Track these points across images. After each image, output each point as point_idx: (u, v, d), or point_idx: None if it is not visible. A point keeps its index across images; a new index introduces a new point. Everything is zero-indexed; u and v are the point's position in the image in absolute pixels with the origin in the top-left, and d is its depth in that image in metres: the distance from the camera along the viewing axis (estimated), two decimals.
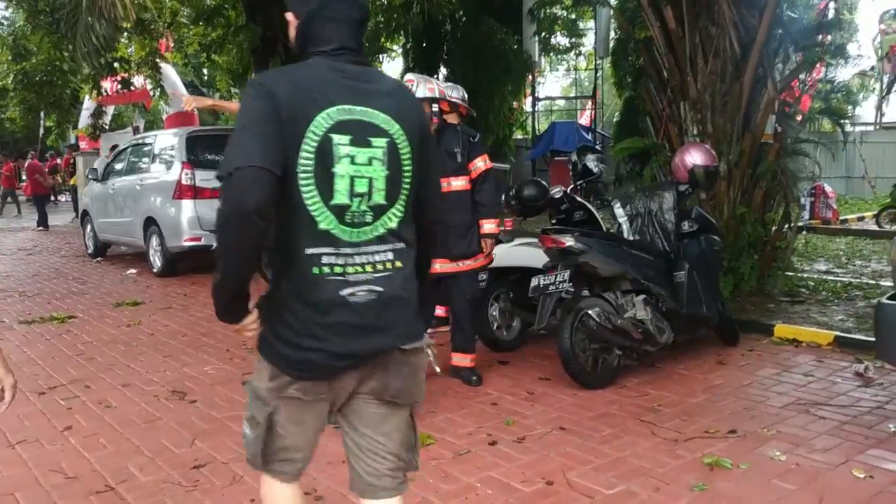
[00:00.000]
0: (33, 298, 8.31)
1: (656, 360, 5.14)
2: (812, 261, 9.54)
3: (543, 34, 19.24)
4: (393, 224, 1.93)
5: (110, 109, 23.12)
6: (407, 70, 22.22)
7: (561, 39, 21.35)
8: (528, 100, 23.53)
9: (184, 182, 8.92)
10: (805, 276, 8.09)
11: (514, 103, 22.79)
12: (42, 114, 20.20)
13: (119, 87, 18.87)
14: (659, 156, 7.57)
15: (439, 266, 4.71)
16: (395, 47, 22.63)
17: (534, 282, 4.71)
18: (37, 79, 15.69)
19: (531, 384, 4.81)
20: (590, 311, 4.52)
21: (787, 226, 7.34)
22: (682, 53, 7.21)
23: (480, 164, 4.80)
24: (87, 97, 19.79)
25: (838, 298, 7.03)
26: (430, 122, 4.62)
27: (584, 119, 23.87)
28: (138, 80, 21.06)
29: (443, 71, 22.13)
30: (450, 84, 5.94)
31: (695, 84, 7.14)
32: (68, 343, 6.17)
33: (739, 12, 6.88)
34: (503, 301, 5.63)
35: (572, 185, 6.23)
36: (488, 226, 4.77)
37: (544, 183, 6.22)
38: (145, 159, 10.16)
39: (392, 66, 25.09)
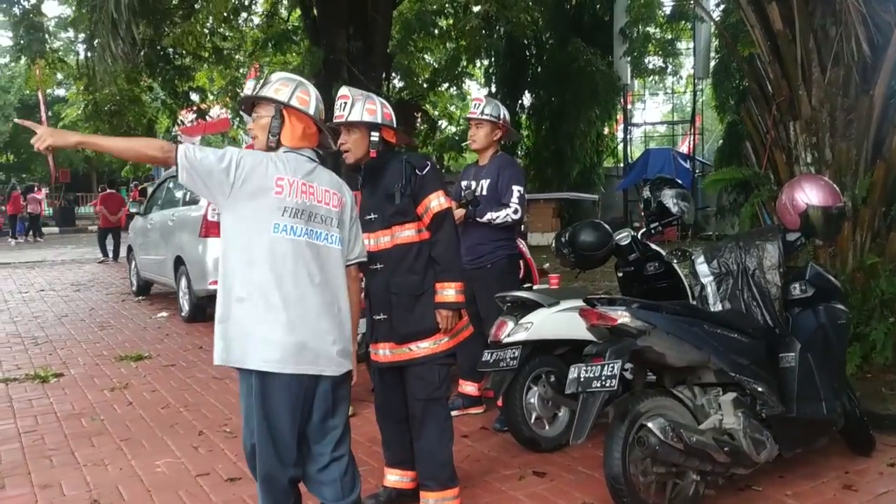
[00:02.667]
0: (41, 346, 7.48)
1: (753, 480, 3.66)
2: None
3: (635, 54, 17.69)
4: None
5: (196, 140, 23.04)
6: (490, 95, 21.11)
7: (655, 60, 19.73)
8: (621, 126, 21.97)
9: (210, 218, 7.93)
10: None
11: (605, 129, 21.29)
12: None
13: (196, 116, 18.57)
14: (762, 189, 6.03)
15: (383, 352, 3.41)
16: (476, 71, 21.55)
17: (572, 373, 3.32)
18: (106, 108, 15.38)
19: None
20: (650, 425, 3.09)
21: None
22: (791, 61, 5.69)
23: (435, 203, 3.32)
24: (175, 128, 19.62)
25: None
26: (366, 154, 3.34)
27: (686, 146, 22.07)
28: (216, 111, 20.77)
29: (527, 96, 20.93)
30: (485, 98, 4.70)
31: (808, 99, 5.60)
32: (26, 413, 5.18)
33: (868, 5, 5.30)
34: (544, 385, 4.26)
35: (643, 229, 4.86)
36: (446, 291, 3.31)
37: (606, 226, 4.86)
38: (178, 193, 9.31)
39: (474, 91, 23.99)
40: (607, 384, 3.14)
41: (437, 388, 3.34)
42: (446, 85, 18.27)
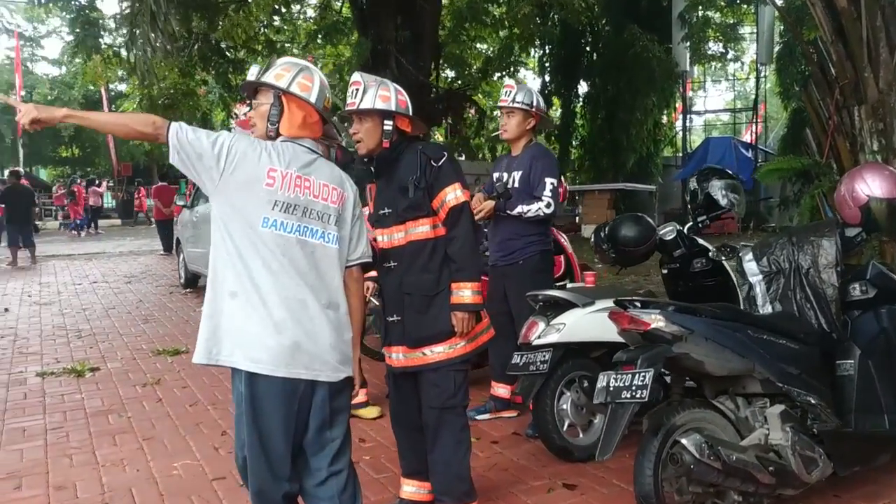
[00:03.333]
0: (84, 339, 7.51)
1: (804, 501, 3.33)
2: None
3: (694, 40, 17.04)
4: None
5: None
6: (544, 84, 20.69)
7: (715, 46, 19.00)
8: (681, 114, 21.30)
9: None
10: None
11: (663, 117, 20.67)
12: None
13: (249, 109, 18.68)
14: (823, 180, 5.62)
15: (396, 356, 3.19)
16: (531, 60, 21.16)
17: (601, 381, 3.04)
18: (160, 102, 15.54)
19: None
20: (684, 441, 2.80)
21: None
22: (856, 41, 5.26)
23: (451, 196, 3.07)
24: (232, 121, 19.76)
25: None
26: (379, 144, 3.11)
27: (749, 135, 21.25)
28: None
29: (582, 84, 20.46)
30: (517, 84, 4.43)
31: (875, 82, 5.17)
32: (56, 409, 5.14)
33: None
34: (577, 391, 3.99)
35: (690, 223, 4.53)
36: (462, 292, 3.06)
37: (649, 219, 4.55)
38: None
39: (530, 80, 23.59)
40: (638, 395, 2.86)
41: (453, 395, 3.10)
42: (498, 75, 17.90)
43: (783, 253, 3.60)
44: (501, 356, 4.38)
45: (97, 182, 25.61)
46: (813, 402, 3.09)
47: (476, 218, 4.46)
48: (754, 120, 20.02)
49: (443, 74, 18.52)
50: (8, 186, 15.30)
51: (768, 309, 3.59)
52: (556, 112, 20.80)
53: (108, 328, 8.09)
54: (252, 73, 3.01)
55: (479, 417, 4.66)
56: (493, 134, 5.72)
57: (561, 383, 3.97)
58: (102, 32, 14.05)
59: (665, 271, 4.69)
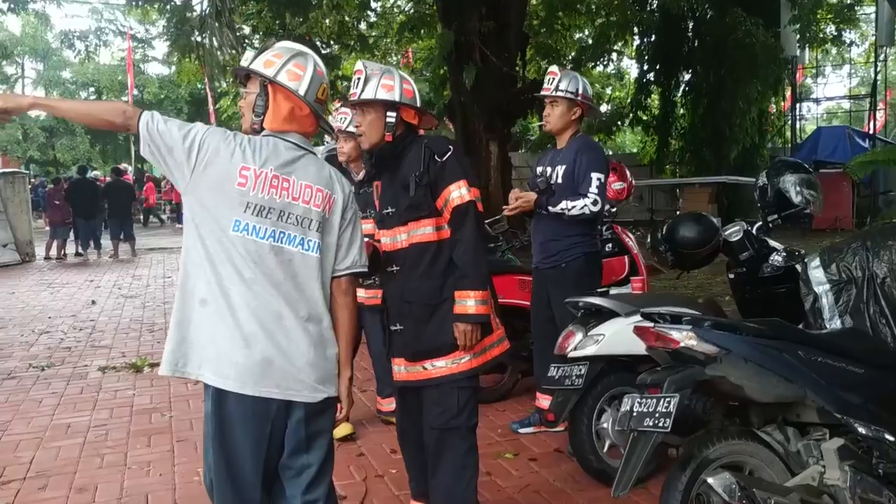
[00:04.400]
0: (155, 333, 7.62)
1: None
2: None
3: (803, 22, 15.88)
4: None
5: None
6: (642, 73, 19.87)
7: (829, 29, 17.66)
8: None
9: None
10: None
11: (772, 106, 19.47)
12: None
13: (340, 105, 18.84)
14: None
15: (398, 369, 2.93)
16: (629, 48, 20.36)
17: (624, 405, 2.68)
18: None
19: None
20: (711, 480, 2.41)
21: None
22: None
23: (455, 194, 2.78)
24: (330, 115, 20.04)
25: None
26: (382, 138, 2.84)
27: (871, 124, 19.75)
28: None
29: (683, 73, 19.51)
30: (561, 71, 4.08)
31: None
32: (105, 405, 5.17)
33: None
34: (618, 409, 3.61)
35: (760, 223, 4.08)
36: (466, 302, 2.75)
37: (711, 219, 4.13)
38: None
39: (633, 71, 22.80)
40: (661, 423, 2.49)
41: (456, 415, 2.81)
42: (591, 64, 17.30)
43: (856, 259, 3.11)
44: (546, 366, 4.03)
45: None
46: (880, 437, 2.63)
47: (508, 211, 4.14)
48: (873, 108, 18.54)
49: (533, 65, 18.08)
50: (110, 182, 15.99)
51: (836, 323, 3.12)
52: (654, 102, 19.96)
53: None
54: (246, 58, 2.78)
55: (521, 430, 4.35)
56: (537, 124, 5.29)
57: (601, 400, 3.60)
58: (196, 31, 14.39)
59: (731, 276, 4.26)
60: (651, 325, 2.67)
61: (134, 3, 13.12)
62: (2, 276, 12.46)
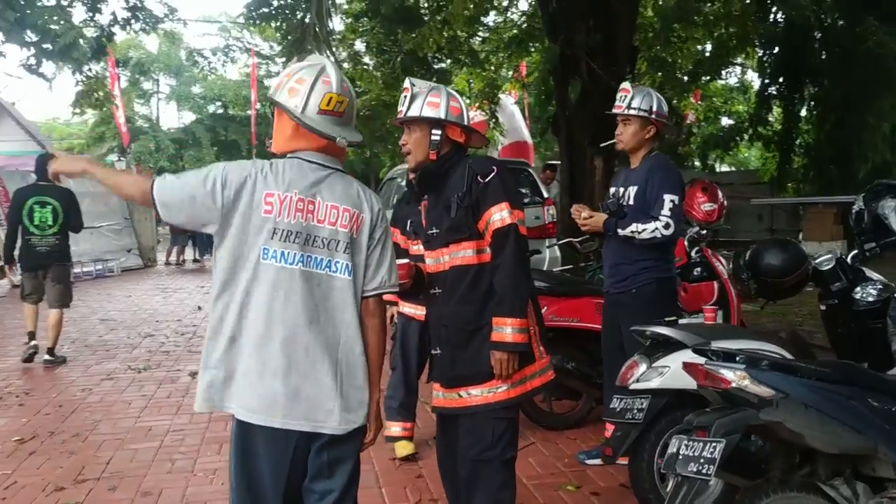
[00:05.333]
0: None
1: None
2: None
3: None
4: None
5: None
6: (764, 87, 18.97)
7: None
8: None
9: None
10: None
11: None
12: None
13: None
14: None
15: (436, 394, 2.86)
16: (752, 58, 19.48)
17: (672, 446, 2.49)
18: (361, 114, 16.19)
19: None
20: None
21: None
22: None
23: (496, 217, 2.67)
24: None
25: None
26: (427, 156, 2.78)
27: None
28: (472, 114, 21.03)
29: (809, 87, 18.50)
30: (633, 88, 3.90)
31: None
32: (188, 409, 5.34)
33: None
34: None
35: (855, 251, 3.76)
36: (503, 329, 2.64)
37: (799, 246, 3.84)
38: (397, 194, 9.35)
39: (756, 82, 21.84)
40: (704, 470, 2.30)
41: (490, 447, 2.70)
42: (706, 78, 16.67)
43: None
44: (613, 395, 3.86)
45: None
46: None
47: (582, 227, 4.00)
48: None
49: (648, 78, 17.61)
50: None
51: None
52: (776, 117, 19.02)
53: None
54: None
55: (588, 462, 4.16)
56: (604, 144, 4.97)
57: (665, 436, 3.38)
58: (309, 47, 14.86)
59: (823, 308, 3.93)
60: (702, 361, 2.47)
61: (251, 21, 13.71)
62: (124, 280, 13.25)
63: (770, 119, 18.62)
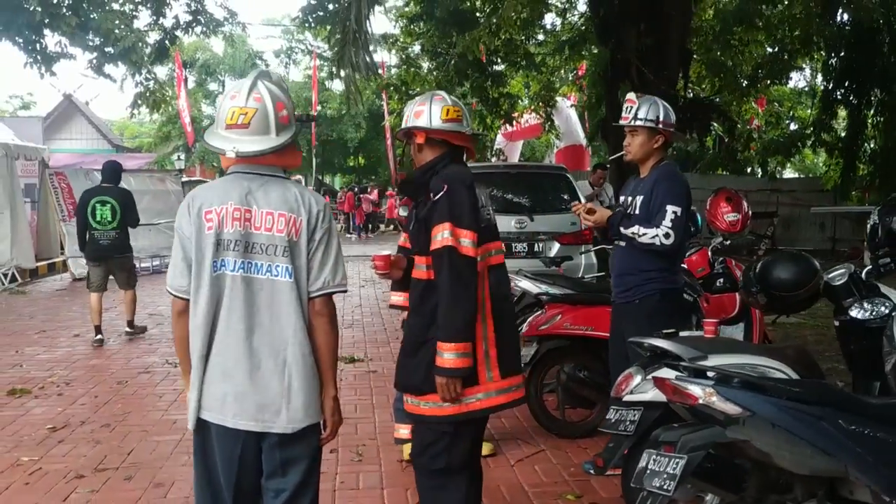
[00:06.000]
0: None
1: None
2: None
3: None
4: None
5: (516, 146, 23.44)
6: (828, 91, 18.37)
7: None
8: None
9: None
10: None
11: None
12: None
13: (503, 122, 18.96)
14: None
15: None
16: (814, 64, 18.93)
17: (642, 460, 2.47)
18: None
19: None
20: None
21: None
22: None
23: (438, 237, 2.70)
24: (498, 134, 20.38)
25: None
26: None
27: None
28: (527, 116, 21.02)
29: (878, 93, 17.84)
30: (639, 98, 3.87)
31: None
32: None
33: None
34: None
35: (868, 267, 3.67)
36: (444, 354, 2.65)
37: (811, 259, 3.76)
38: None
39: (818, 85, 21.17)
40: (665, 486, 2.29)
41: (419, 454, 2.89)
42: (768, 82, 16.24)
43: None
44: None
45: (368, 190, 27.77)
46: None
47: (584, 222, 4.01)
48: None
49: (708, 82, 17.28)
50: None
51: None
52: (841, 123, 18.41)
53: None
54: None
55: (593, 472, 4.14)
56: (612, 157, 4.77)
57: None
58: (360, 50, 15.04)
59: (837, 324, 3.83)
60: (672, 375, 2.45)
61: (307, 24, 13.98)
62: None
63: (834, 125, 18.00)
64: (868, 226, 3.68)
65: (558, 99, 19.96)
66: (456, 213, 2.70)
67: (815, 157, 29.99)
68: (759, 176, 20.92)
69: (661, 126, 3.77)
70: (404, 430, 4.42)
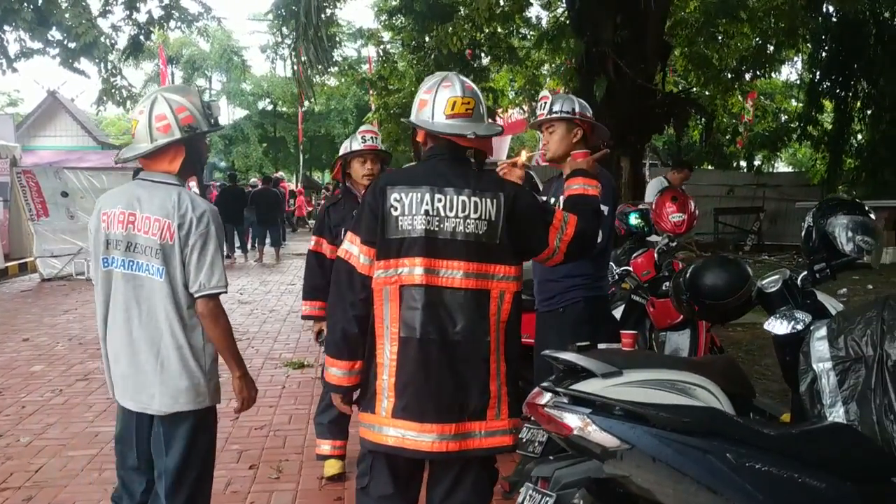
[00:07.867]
0: (241, 343, 7.79)
1: None
2: None
3: None
4: None
5: (504, 142, 23.18)
6: (814, 84, 18.10)
7: None
8: None
9: None
10: None
11: None
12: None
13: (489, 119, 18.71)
14: None
15: None
16: (799, 56, 18.64)
17: (521, 493, 2.24)
18: (392, 112, 16.06)
19: None
20: None
21: None
22: None
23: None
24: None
25: None
26: None
27: None
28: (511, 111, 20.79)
29: (863, 84, 17.60)
30: (552, 94, 3.63)
31: None
32: None
33: None
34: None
35: (804, 273, 3.43)
36: (328, 368, 2.64)
37: (743, 264, 3.51)
38: None
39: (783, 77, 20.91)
40: None
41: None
42: (748, 76, 16.01)
43: (867, 332, 2.44)
44: None
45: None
46: None
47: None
48: None
49: (691, 76, 17.04)
50: (257, 190, 16.82)
51: (839, 413, 2.46)
52: (828, 116, 18.17)
53: (264, 333, 8.35)
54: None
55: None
56: (530, 154, 4.39)
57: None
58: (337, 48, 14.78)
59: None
60: (546, 400, 2.21)
61: (279, 17, 13.72)
62: None
63: (820, 118, 17.77)
64: (803, 229, 3.43)
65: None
66: (358, 223, 2.52)
67: (806, 151, 29.76)
68: (745, 170, 20.68)
69: (577, 117, 3.52)
70: (326, 446, 4.20)
